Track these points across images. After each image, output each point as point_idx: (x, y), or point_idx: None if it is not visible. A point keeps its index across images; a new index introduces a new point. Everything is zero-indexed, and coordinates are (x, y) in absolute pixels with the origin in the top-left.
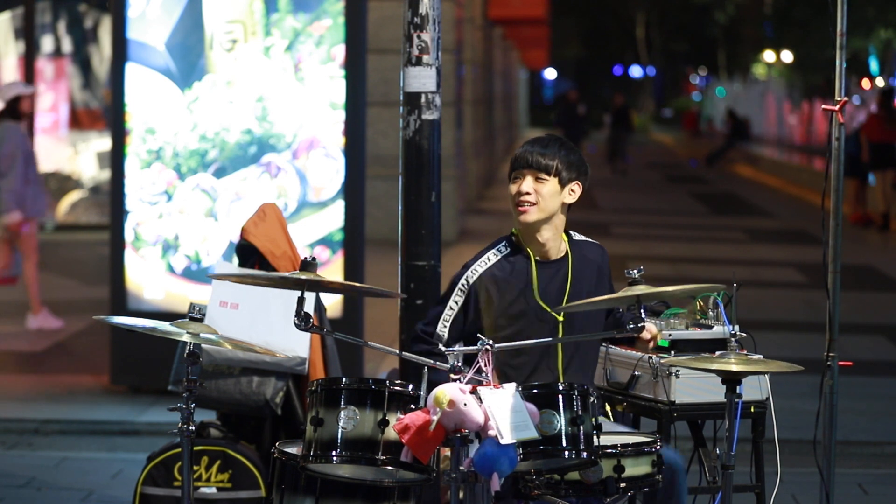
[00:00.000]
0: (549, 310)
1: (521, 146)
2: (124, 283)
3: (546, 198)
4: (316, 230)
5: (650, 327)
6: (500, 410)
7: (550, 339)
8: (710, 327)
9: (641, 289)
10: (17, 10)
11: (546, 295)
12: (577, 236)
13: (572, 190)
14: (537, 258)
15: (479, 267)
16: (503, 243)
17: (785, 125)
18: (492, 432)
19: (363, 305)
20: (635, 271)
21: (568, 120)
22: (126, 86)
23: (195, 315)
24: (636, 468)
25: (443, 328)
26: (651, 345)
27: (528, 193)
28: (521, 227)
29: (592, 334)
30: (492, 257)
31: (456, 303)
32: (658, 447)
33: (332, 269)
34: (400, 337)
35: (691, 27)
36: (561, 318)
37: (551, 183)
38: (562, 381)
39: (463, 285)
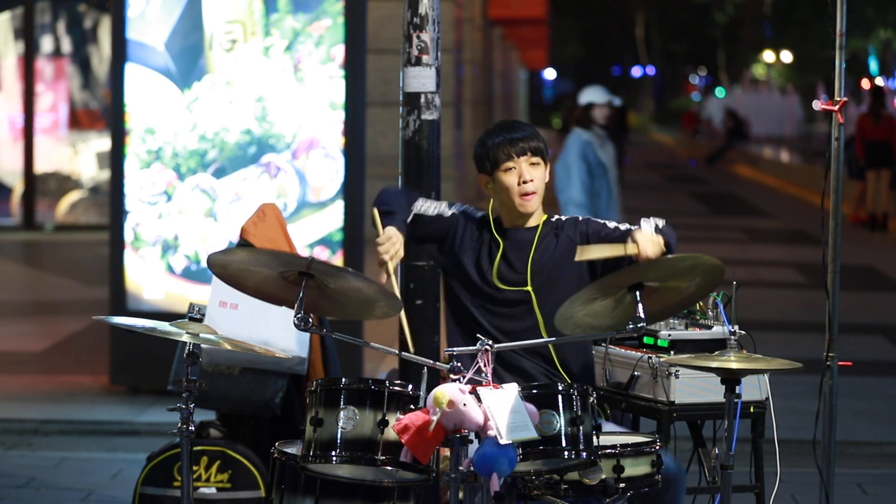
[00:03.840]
0: (504, 287)
1: (495, 135)
2: (124, 283)
3: (541, 182)
4: (315, 230)
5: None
6: (500, 410)
7: (546, 339)
8: (710, 327)
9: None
10: (16, 10)
11: (503, 274)
12: (555, 217)
13: (548, 168)
14: (506, 227)
15: (467, 207)
16: (481, 213)
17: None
18: (491, 432)
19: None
20: None
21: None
22: (126, 86)
23: (195, 315)
24: (636, 468)
25: (420, 204)
26: (648, 250)
27: (531, 181)
28: (513, 216)
29: (590, 335)
30: (476, 212)
31: (439, 203)
32: (658, 447)
33: None
34: (400, 337)
35: (691, 27)
36: (529, 288)
37: (542, 166)
38: (557, 360)
39: (449, 204)
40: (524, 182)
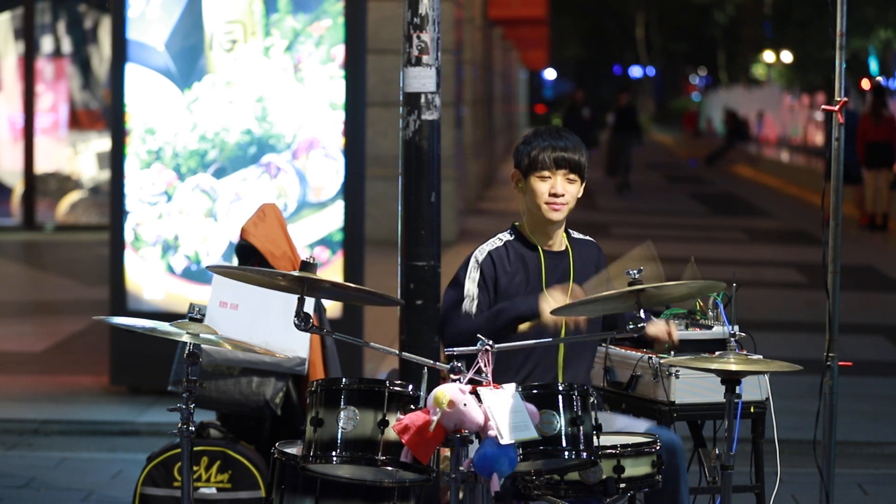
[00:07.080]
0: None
1: (539, 140)
2: (124, 283)
3: (574, 197)
4: (316, 230)
5: (658, 328)
6: (500, 411)
7: (550, 339)
8: (710, 327)
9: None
10: (17, 11)
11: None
12: (574, 234)
13: (584, 187)
14: (544, 248)
15: (486, 247)
16: (507, 231)
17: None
18: (492, 433)
19: (363, 306)
20: (635, 272)
21: (573, 125)
22: (126, 86)
23: (195, 315)
24: (636, 468)
25: (470, 306)
26: (666, 340)
27: (563, 195)
28: (539, 223)
29: (593, 335)
30: (497, 242)
31: (472, 280)
32: (657, 447)
33: (332, 269)
34: (400, 337)
35: (691, 27)
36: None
37: (578, 183)
38: (561, 379)
39: (474, 263)
40: (555, 195)
